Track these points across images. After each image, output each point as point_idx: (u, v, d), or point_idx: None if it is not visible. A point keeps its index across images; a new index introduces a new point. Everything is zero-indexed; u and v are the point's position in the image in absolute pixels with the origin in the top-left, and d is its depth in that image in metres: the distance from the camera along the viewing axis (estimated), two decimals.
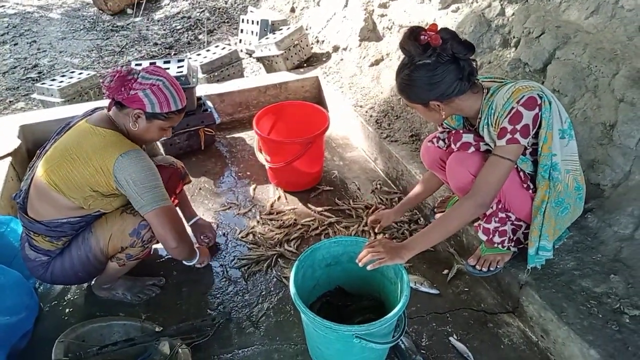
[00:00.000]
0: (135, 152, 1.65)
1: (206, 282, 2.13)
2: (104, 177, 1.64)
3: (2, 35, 5.24)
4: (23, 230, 1.82)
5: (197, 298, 2.05)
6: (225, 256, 2.27)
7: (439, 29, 1.51)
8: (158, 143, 2.08)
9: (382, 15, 3.50)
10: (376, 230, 2.30)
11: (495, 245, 1.82)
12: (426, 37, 1.48)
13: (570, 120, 1.67)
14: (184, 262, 2.02)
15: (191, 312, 1.99)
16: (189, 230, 2.24)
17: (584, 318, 1.67)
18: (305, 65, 3.76)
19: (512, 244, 1.84)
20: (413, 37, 1.51)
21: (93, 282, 2.04)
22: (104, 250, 1.79)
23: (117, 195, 1.72)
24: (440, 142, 1.89)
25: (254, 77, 3.78)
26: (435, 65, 1.50)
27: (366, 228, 2.36)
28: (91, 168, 1.63)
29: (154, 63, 3.02)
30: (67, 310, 2.00)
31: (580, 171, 1.76)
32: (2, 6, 6.11)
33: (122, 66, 1.70)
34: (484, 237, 1.81)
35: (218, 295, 2.07)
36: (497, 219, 1.76)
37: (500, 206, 1.74)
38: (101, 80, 1.85)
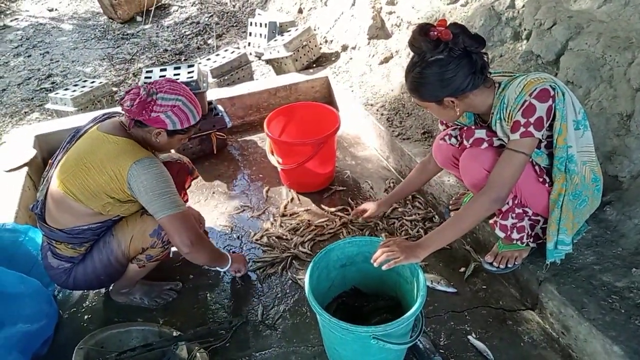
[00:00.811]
0: (148, 160, 1.67)
1: (222, 286, 2.14)
2: (119, 184, 1.66)
3: (16, 47, 5.33)
4: (44, 239, 1.85)
5: (213, 302, 2.06)
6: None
7: (448, 23, 1.49)
8: None
9: (390, 13, 3.48)
10: (359, 220, 2.34)
11: (514, 241, 1.79)
12: (436, 33, 1.46)
13: (584, 111, 1.63)
14: (218, 268, 2.02)
15: (208, 315, 1.99)
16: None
17: (606, 313, 1.63)
18: (314, 65, 3.75)
19: (531, 240, 1.81)
20: (423, 33, 1.49)
21: (111, 288, 2.06)
22: (126, 252, 1.82)
23: (133, 201, 1.74)
24: (453, 140, 1.86)
25: (264, 80, 3.78)
26: (448, 60, 1.48)
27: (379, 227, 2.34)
28: (106, 176, 1.65)
29: (165, 69, 3.05)
30: (85, 316, 2.02)
31: (597, 162, 1.73)
32: (15, 19, 6.22)
33: (138, 85, 1.74)
34: (501, 234, 1.78)
35: (234, 299, 2.07)
36: (514, 215, 1.73)
37: (516, 202, 1.72)
38: (118, 101, 1.89)
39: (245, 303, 2.04)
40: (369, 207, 2.26)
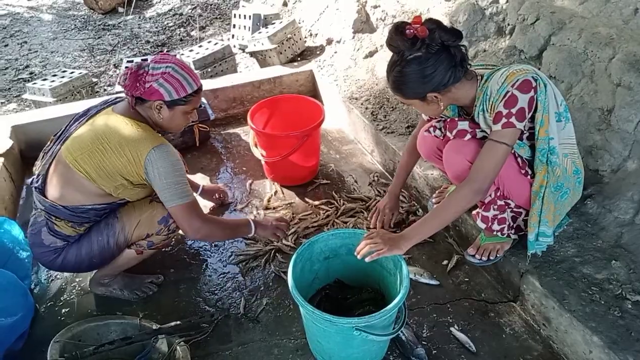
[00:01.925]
0: (165, 147, 1.70)
1: (204, 279, 2.11)
2: (135, 168, 1.68)
3: None
4: (40, 214, 1.81)
5: (195, 295, 2.03)
6: (222, 252, 2.25)
7: (423, 20, 1.48)
8: None
9: (375, 7, 3.47)
10: (385, 228, 2.21)
11: (495, 233, 1.81)
12: (412, 31, 1.46)
13: (565, 103, 1.65)
14: (245, 237, 2.15)
15: (189, 309, 1.97)
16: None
17: (586, 305, 1.65)
18: (299, 59, 3.73)
19: (512, 232, 1.82)
20: (399, 32, 1.49)
21: (91, 277, 2.02)
22: (128, 236, 1.81)
23: (145, 186, 1.77)
24: (437, 132, 1.86)
25: (248, 72, 3.74)
26: (426, 56, 1.48)
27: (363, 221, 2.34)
28: (124, 158, 1.67)
29: (146, 60, 2.99)
30: (63, 310, 1.98)
31: (578, 155, 1.75)
32: None
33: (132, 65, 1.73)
34: (482, 225, 1.79)
35: (216, 292, 2.04)
36: (495, 207, 1.74)
37: (499, 194, 1.72)
38: (117, 82, 1.88)
39: (227, 296, 2.02)
40: (387, 212, 2.19)
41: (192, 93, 1.73)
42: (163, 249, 1.98)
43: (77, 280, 2.13)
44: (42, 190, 1.79)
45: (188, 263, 2.16)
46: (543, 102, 1.54)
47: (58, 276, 2.15)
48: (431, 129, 1.90)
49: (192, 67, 3.48)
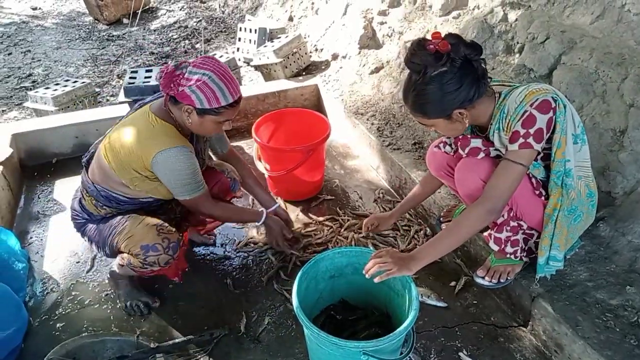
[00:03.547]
0: (174, 151, 1.66)
1: (204, 296, 2.05)
2: (143, 164, 1.69)
3: None
4: (79, 187, 1.93)
5: (194, 312, 1.97)
6: (223, 269, 2.19)
7: (443, 35, 1.45)
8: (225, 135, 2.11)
9: (382, 23, 3.47)
10: (370, 234, 2.24)
11: (508, 255, 1.75)
12: (434, 46, 1.41)
13: (582, 125, 1.61)
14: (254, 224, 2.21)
15: (188, 326, 1.90)
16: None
17: (601, 332, 1.59)
18: (304, 73, 3.71)
19: (524, 254, 1.77)
20: (422, 47, 1.43)
21: (112, 269, 1.98)
22: (119, 242, 1.79)
23: (160, 181, 1.75)
24: (447, 147, 1.82)
25: (253, 85, 3.72)
26: (452, 71, 1.42)
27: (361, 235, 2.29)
28: (134, 154, 1.68)
29: (151, 70, 2.97)
30: (58, 325, 1.91)
31: (592, 177, 1.70)
32: None
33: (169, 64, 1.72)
34: (495, 247, 1.74)
35: (216, 310, 1.98)
36: (508, 228, 1.69)
37: (512, 214, 1.68)
38: (155, 76, 1.89)
39: (228, 314, 1.95)
40: (378, 220, 2.15)
41: (226, 105, 1.65)
42: (144, 277, 1.91)
43: (73, 293, 2.06)
44: (87, 167, 1.87)
45: (188, 279, 2.10)
46: (562, 123, 1.50)
47: (54, 289, 2.09)
48: (441, 145, 1.86)
49: None
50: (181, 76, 1.61)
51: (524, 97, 1.48)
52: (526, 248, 1.77)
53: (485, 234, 1.80)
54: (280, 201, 2.61)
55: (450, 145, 1.78)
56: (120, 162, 1.71)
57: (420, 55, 1.43)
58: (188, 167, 1.70)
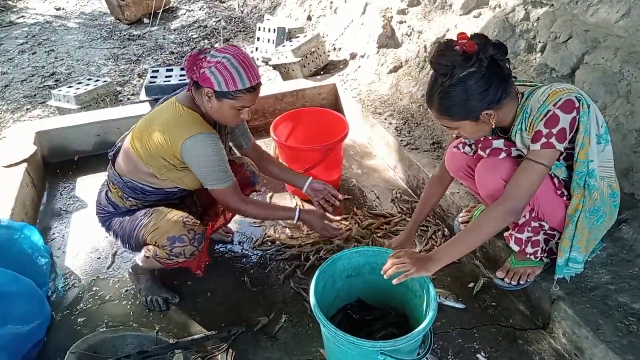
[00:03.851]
0: (202, 136, 1.69)
1: (222, 293, 2.06)
2: (172, 152, 1.72)
3: (21, 44, 5.29)
4: (106, 180, 1.97)
5: (212, 309, 1.99)
6: (241, 266, 2.20)
7: (470, 35, 1.43)
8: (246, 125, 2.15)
9: (401, 22, 3.45)
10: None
11: (528, 256, 1.73)
12: (460, 47, 1.40)
13: (606, 125, 1.58)
14: (288, 222, 2.14)
15: (206, 323, 1.92)
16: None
17: (623, 336, 1.56)
18: (322, 73, 3.71)
19: (545, 255, 1.74)
20: (450, 48, 1.41)
21: (133, 264, 2.02)
22: (145, 235, 1.82)
23: (187, 171, 1.79)
24: (467, 148, 1.79)
25: (271, 85, 3.73)
26: (481, 71, 1.39)
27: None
28: (163, 142, 1.71)
29: (171, 70, 3.00)
30: (79, 320, 1.95)
31: (615, 177, 1.67)
32: (22, 17, 6.19)
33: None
34: (516, 248, 1.72)
35: (234, 307, 2.00)
36: (530, 229, 1.67)
37: (533, 215, 1.65)
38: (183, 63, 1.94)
39: (245, 312, 1.97)
40: (399, 246, 2.05)
41: (244, 90, 1.67)
42: (168, 268, 1.93)
43: (94, 289, 2.10)
44: (113, 160, 1.91)
45: (206, 276, 2.11)
46: (585, 123, 1.47)
47: (75, 284, 2.13)
48: (460, 146, 1.84)
49: None
50: (204, 59, 1.66)
51: (547, 97, 1.46)
52: (547, 249, 1.74)
53: (506, 234, 1.78)
54: (297, 200, 2.62)
55: (470, 145, 1.77)
56: (149, 151, 1.74)
57: (449, 56, 1.41)
58: (216, 152, 1.73)
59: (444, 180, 1.97)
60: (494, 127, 1.54)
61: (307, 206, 2.58)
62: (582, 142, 1.49)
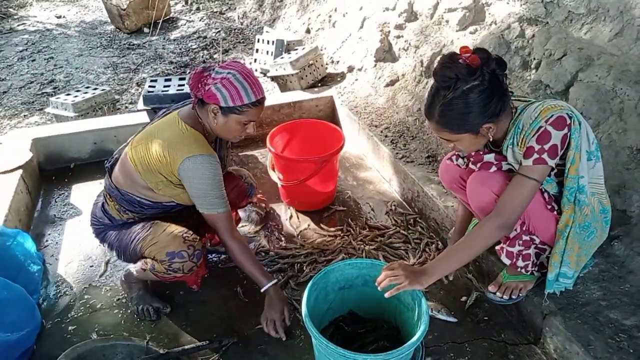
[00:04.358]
0: (202, 158, 1.70)
1: (214, 303, 2.06)
2: (170, 169, 1.72)
3: (21, 51, 5.32)
4: (102, 192, 1.97)
5: (204, 319, 1.98)
6: (234, 277, 2.20)
7: (472, 48, 1.45)
8: None
9: (398, 37, 3.49)
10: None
11: (519, 269, 1.74)
12: (464, 60, 1.41)
13: (597, 142, 1.60)
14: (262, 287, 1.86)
15: (197, 333, 1.91)
16: None
17: (614, 352, 1.57)
18: (319, 85, 3.74)
19: (536, 269, 1.75)
20: (454, 61, 1.42)
21: (125, 273, 2.02)
22: (143, 248, 1.82)
23: (184, 188, 1.78)
24: (460, 160, 1.81)
25: (268, 96, 3.74)
26: (483, 84, 1.41)
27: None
28: (162, 158, 1.71)
29: (170, 79, 3.02)
30: (70, 328, 1.94)
31: (606, 194, 1.68)
32: (23, 24, 6.23)
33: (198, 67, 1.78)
34: (507, 261, 1.73)
35: (226, 317, 1.99)
36: (520, 242, 1.68)
37: (524, 228, 1.66)
38: (187, 81, 1.91)
39: (237, 322, 1.96)
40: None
41: (249, 104, 1.69)
42: (164, 282, 1.93)
43: (86, 297, 2.09)
44: (110, 171, 1.90)
45: (200, 285, 2.11)
46: (576, 140, 1.49)
47: (67, 292, 2.12)
48: (453, 158, 1.85)
49: None
50: (208, 76, 1.67)
51: (539, 113, 1.48)
52: (538, 262, 1.75)
53: (498, 247, 1.78)
54: (292, 211, 2.63)
55: (463, 158, 1.78)
56: (147, 165, 1.74)
57: (454, 68, 1.41)
58: (213, 176, 1.73)
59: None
60: (490, 139, 1.56)
61: (301, 217, 2.59)
62: (573, 158, 1.51)
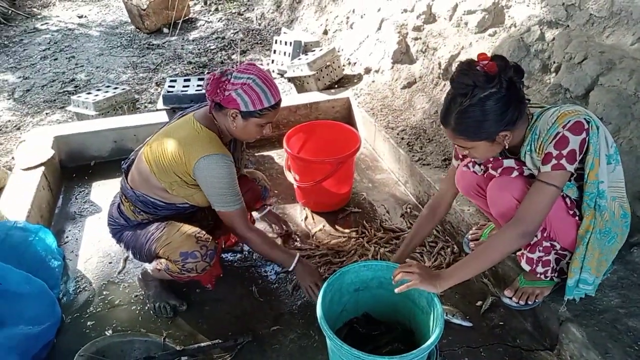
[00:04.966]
0: (217, 157, 1.72)
1: (229, 302, 2.08)
2: (185, 168, 1.74)
3: (43, 50, 5.42)
4: (118, 193, 2.00)
5: (219, 317, 2.00)
6: (250, 276, 2.22)
7: (489, 56, 1.45)
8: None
9: (416, 39, 3.48)
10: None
11: (538, 275, 1.72)
12: (482, 67, 1.41)
13: (615, 145, 1.58)
14: (283, 267, 2.05)
15: (213, 331, 1.93)
16: None
17: None
18: (336, 86, 3.74)
19: (555, 275, 1.73)
20: (472, 68, 1.42)
21: (143, 271, 2.06)
22: (157, 248, 1.84)
23: (198, 188, 1.80)
24: (477, 167, 1.80)
25: (285, 97, 3.76)
26: (500, 92, 1.41)
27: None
28: (177, 157, 1.73)
29: (189, 80, 3.06)
30: (88, 323, 1.98)
31: (626, 198, 1.66)
32: (46, 23, 6.35)
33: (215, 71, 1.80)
34: (527, 268, 1.72)
35: (241, 316, 2.01)
36: (541, 248, 1.67)
37: (545, 234, 1.65)
38: (202, 85, 1.97)
39: (252, 321, 1.98)
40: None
41: (269, 107, 1.73)
42: (179, 281, 1.96)
43: (104, 293, 2.13)
44: (126, 172, 1.94)
45: (214, 284, 2.13)
46: (594, 144, 1.48)
47: (86, 287, 2.16)
48: (470, 165, 1.84)
49: None
50: (227, 81, 1.69)
51: (556, 119, 1.47)
52: (558, 268, 1.73)
53: (518, 253, 1.77)
54: (307, 212, 2.64)
55: (479, 164, 1.77)
56: (162, 165, 1.76)
57: (472, 75, 1.41)
58: (228, 174, 1.75)
59: (436, 216, 1.95)
60: (507, 147, 1.55)
61: (317, 217, 2.60)
62: (592, 163, 1.50)
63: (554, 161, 1.46)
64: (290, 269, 1.93)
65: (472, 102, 1.42)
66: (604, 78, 2.21)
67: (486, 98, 1.41)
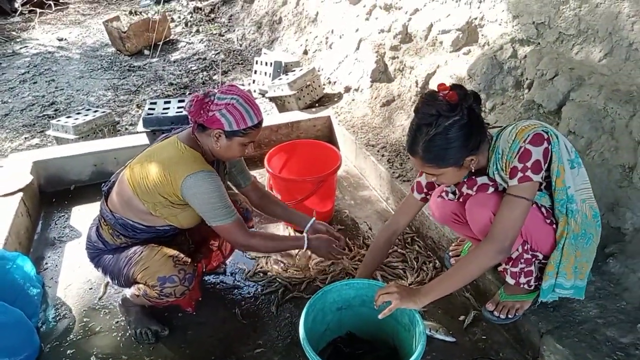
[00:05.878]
0: (202, 174, 1.72)
1: (212, 325, 2.06)
2: (172, 189, 1.73)
3: (23, 74, 5.39)
4: (97, 217, 1.98)
5: (202, 341, 1.98)
6: (232, 298, 2.21)
7: (448, 85, 1.49)
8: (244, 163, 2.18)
9: (394, 58, 3.54)
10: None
11: (522, 285, 1.75)
12: (444, 97, 1.46)
13: (575, 149, 1.63)
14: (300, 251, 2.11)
15: (196, 356, 1.91)
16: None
17: None
18: (317, 105, 3.78)
19: (539, 282, 1.76)
20: (435, 98, 1.47)
21: (124, 296, 2.03)
22: (135, 273, 1.83)
23: (185, 207, 1.80)
24: (450, 195, 1.83)
25: (266, 116, 3.78)
26: (463, 119, 1.45)
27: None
28: (163, 178, 1.73)
29: (169, 102, 3.06)
30: (68, 351, 1.94)
31: (594, 198, 1.69)
32: (25, 47, 6.32)
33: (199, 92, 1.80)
34: (512, 281, 1.75)
35: (224, 339, 1.99)
36: (522, 261, 1.70)
37: (526, 247, 1.68)
38: (184, 107, 1.99)
39: (235, 344, 1.96)
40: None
41: (252, 126, 1.75)
42: (158, 307, 1.96)
43: (85, 320, 2.10)
44: (106, 195, 1.92)
45: (197, 307, 2.12)
46: (557, 152, 1.53)
47: (66, 315, 2.12)
48: (444, 194, 1.84)
49: None
50: (210, 102, 1.71)
51: (515, 136, 1.52)
52: (540, 276, 1.76)
53: (501, 269, 1.80)
54: (290, 230, 2.64)
55: (453, 192, 1.80)
56: (145, 186, 1.75)
57: (436, 105, 1.46)
58: (217, 188, 1.75)
59: (391, 244, 2.00)
60: (473, 170, 1.60)
61: (300, 236, 2.60)
62: (557, 170, 1.55)
63: (520, 174, 1.50)
64: (305, 248, 1.97)
65: (437, 131, 1.46)
66: (575, 93, 2.28)
67: (450, 126, 1.46)
